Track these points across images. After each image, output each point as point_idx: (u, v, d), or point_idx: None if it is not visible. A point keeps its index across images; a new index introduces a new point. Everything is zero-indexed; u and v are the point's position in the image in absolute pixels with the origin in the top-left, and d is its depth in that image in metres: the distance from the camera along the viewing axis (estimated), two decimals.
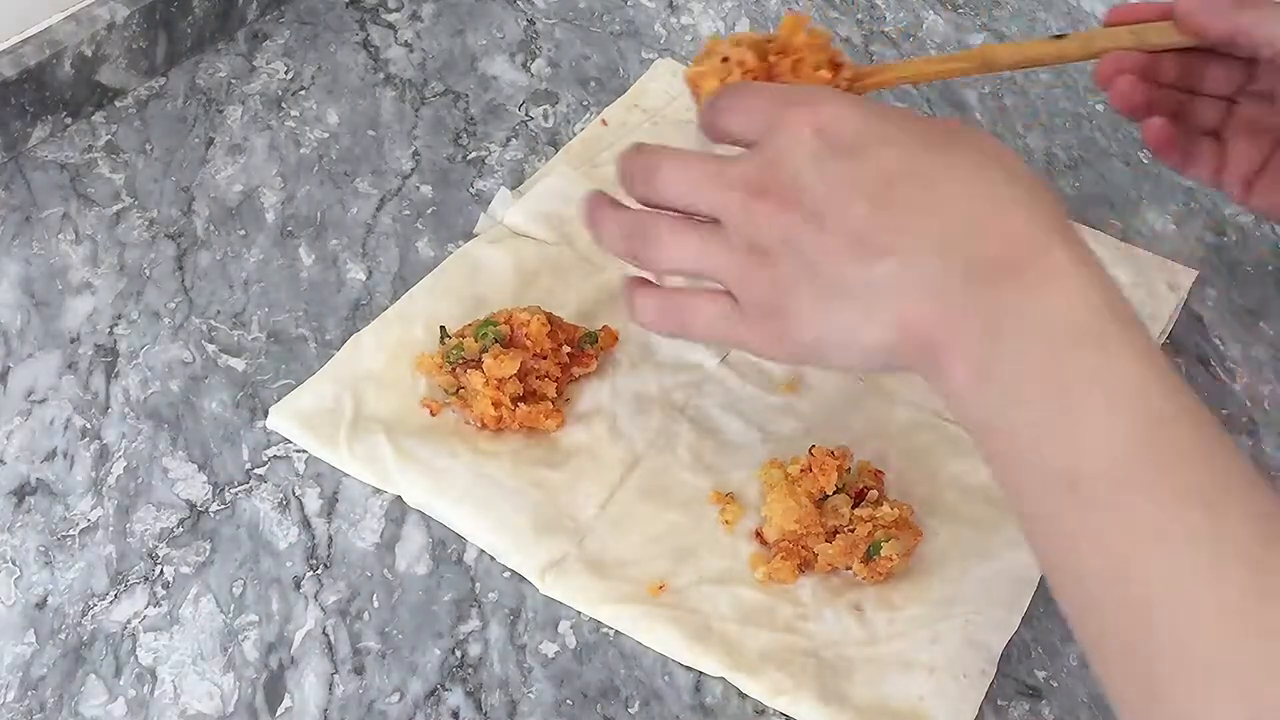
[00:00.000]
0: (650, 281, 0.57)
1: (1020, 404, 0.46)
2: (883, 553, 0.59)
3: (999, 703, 0.57)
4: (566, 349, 0.66)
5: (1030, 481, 0.47)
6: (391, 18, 0.88)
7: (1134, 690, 0.44)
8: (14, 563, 0.59)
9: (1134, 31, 0.68)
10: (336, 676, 0.56)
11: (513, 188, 0.76)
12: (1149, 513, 0.44)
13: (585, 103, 0.84)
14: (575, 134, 0.81)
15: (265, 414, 0.65)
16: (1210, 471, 0.45)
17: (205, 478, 0.63)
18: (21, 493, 0.61)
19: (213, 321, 0.69)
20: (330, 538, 0.61)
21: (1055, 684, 0.58)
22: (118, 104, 0.80)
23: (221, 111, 0.80)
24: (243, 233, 0.74)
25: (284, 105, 0.81)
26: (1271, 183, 0.69)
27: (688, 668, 0.57)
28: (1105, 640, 0.45)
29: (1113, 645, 0.45)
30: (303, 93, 0.82)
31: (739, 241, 0.52)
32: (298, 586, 0.59)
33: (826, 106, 0.51)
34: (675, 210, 0.54)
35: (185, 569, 0.59)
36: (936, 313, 0.48)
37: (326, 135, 0.80)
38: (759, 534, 0.62)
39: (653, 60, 0.86)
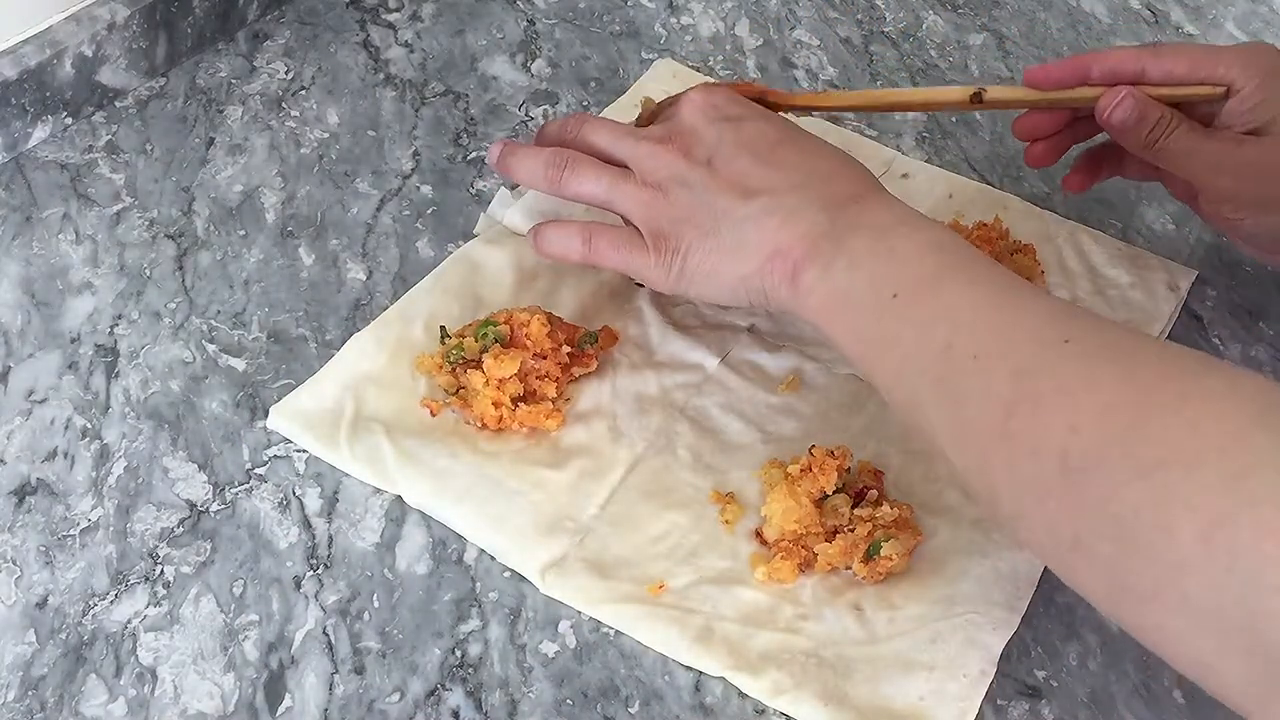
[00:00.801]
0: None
1: (856, 271, 0.58)
2: (883, 553, 0.59)
3: (999, 703, 0.57)
4: (566, 349, 0.66)
5: (861, 312, 0.58)
6: (391, 18, 0.88)
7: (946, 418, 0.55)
8: (14, 563, 0.59)
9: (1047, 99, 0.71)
10: (337, 676, 0.56)
11: (513, 188, 0.76)
12: (956, 298, 0.56)
13: (585, 103, 0.84)
14: None
15: (265, 414, 0.65)
16: (991, 270, 0.58)
17: (205, 478, 0.63)
18: (22, 493, 0.61)
19: (213, 321, 0.69)
20: (330, 538, 0.61)
21: (1055, 684, 0.58)
22: (118, 104, 0.80)
23: (222, 111, 0.81)
24: (243, 233, 0.74)
25: (284, 105, 0.81)
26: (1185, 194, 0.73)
27: (688, 668, 0.57)
28: (917, 384, 0.56)
29: (923, 387, 0.56)
30: (303, 93, 0.82)
31: (643, 179, 0.64)
32: (298, 586, 0.59)
33: (718, 91, 0.66)
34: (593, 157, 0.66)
35: (186, 569, 0.59)
36: (799, 235, 0.60)
37: (327, 135, 0.80)
38: (759, 534, 0.62)
39: (653, 60, 0.86)
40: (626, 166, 0.65)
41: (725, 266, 0.62)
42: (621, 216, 0.65)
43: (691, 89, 0.67)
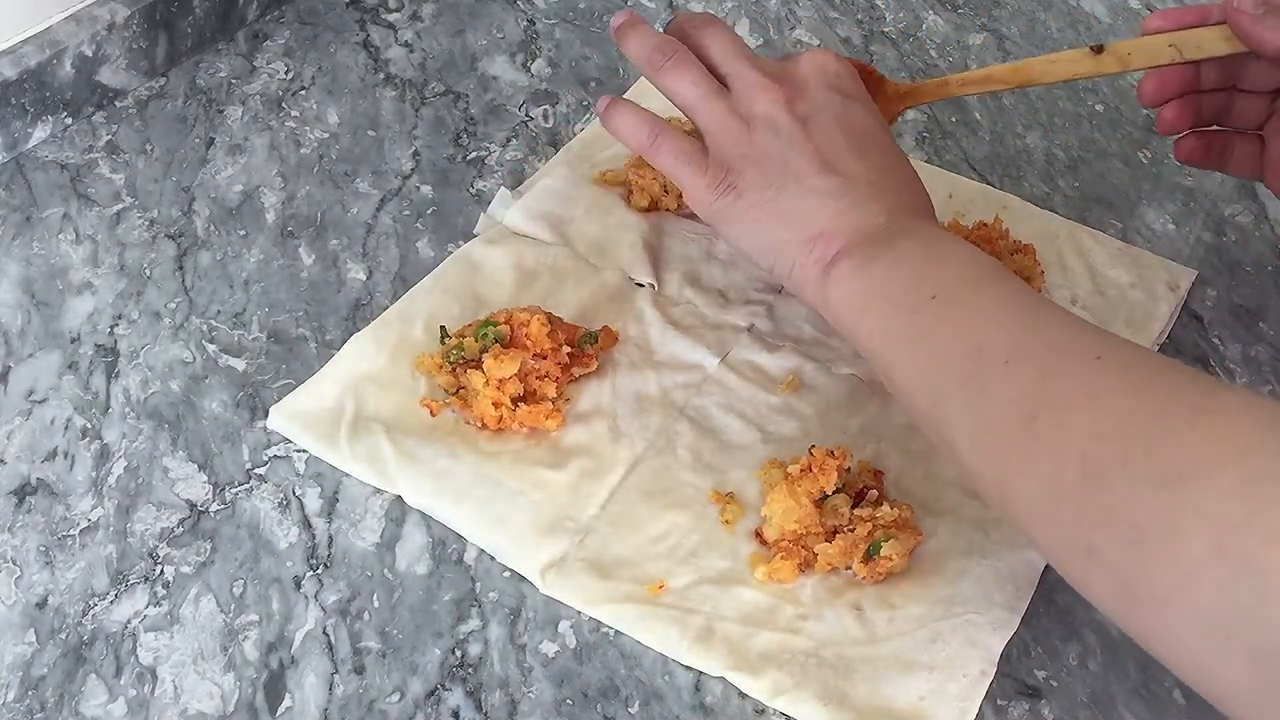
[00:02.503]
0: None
1: (898, 271, 0.59)
2: (883, 553, 0.59)
3: (999, 703, 0.57)
4: (566, 349, 0.66)
5: (895, 308, 0.58)
6: (391, 18, 0.88)
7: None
8: (14, 563, 0.59)
9: (1174, 43, 0.67)
10: (337, 676, 0.56)
11: (512, 188, 0.76)
12: (993, 304, 0.57)
13: (585, 103, 0.84)
14: (575, 134, 0.81)
15: (265, 414, 0.65)
16: (1034, 292, 0.59)
17: (205, 478, 0.63)
18: (22, 493, 0.61)
19: (213, 321, 0.69)
20: (330, 537, 0.61)
21: (1055, 684, 0.58)
22: (118, 104, 0.80)
23: (222, 111, 0.81)
24: (243, 233, 0.74)
25: (284, 105, 0.81)
26: None
27: (688, 668, 0.57)
28: (941, 381, 0.56)
29: (949, 384, 0.55)
30: (303, 93, 0.82)
31: (737, 105, 0.63)
32: (298, 586, 0.59)
33: (844, 64, 0.65)
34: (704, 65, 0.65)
35: (186, 569, 0.59)
36: (854, 227, 0.60)
37: (326, 135, 0.80)
38: (759, 534, 0.62)
39: None
40: (728, 86, 0.64)
41: (771, 225, 0.62)
42: (700, 130, 0.65)
43: (819, 50, 0.66)
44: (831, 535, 0.60)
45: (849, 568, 0.60)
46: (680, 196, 0.75)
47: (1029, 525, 0.53)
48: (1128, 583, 0.48)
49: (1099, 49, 0.68)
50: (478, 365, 0.64)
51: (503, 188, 0.76)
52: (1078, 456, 0.50)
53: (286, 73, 0.84)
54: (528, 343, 0.65)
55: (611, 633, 0.58)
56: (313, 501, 0.62)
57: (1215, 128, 0.71)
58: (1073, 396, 0.52)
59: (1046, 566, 0.60)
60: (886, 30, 0.92)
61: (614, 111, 0.66)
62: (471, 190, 0.77)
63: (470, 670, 0.57)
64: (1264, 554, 0.44)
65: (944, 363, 0.56)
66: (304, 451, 0.64)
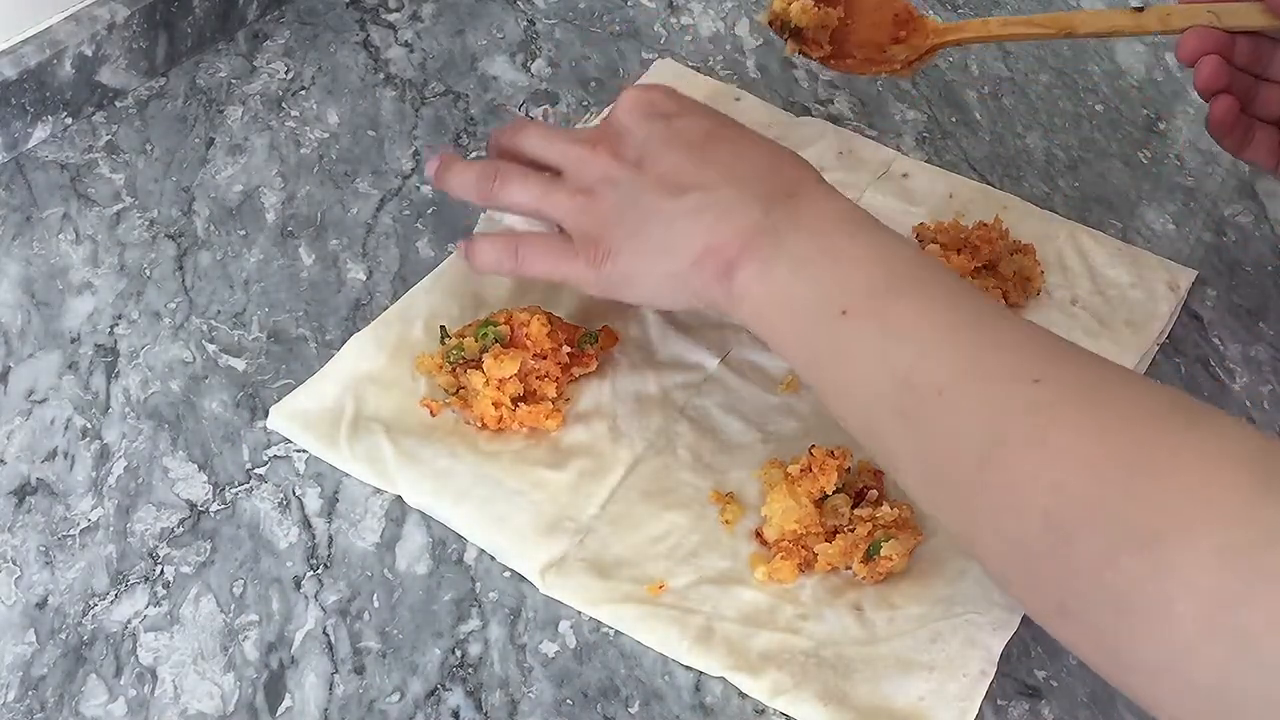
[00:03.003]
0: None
1: (799, 276, 0.56)
2: (883, 553, 0.59)
3: (999, 703, 0.57)
4: (566, 349, 0.66)
5: (807, 324, 0.56)
6: (391, 18, 0.88)
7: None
8: (14, 563, 0.59)
9: (1212, 10, 0.67)
10: (337, 676, 0.56)
11: None
12: (914, 318, 0.54)
13: (585, 103, 0.84)
14: None
15: (265, 414, 0.65)
16: (950, 286, 0.55)
17: (205, 478, 0.63)
18: (22, 493, 0.61)
19: (213, 321, 0.69)
20: (330, 538, 0.61)
21: (1055, 684, 0.58)
22: (118, 104, 0.80)
23: (222, 111, 0.81)
24: (243, 233, 0.74)
25: (284, 105, 0.81)
26: None
27: (688, 668, 0.57)
28: (875, 413, 0.54)
29: (883, 416, 0.53)
30: (303, 93, 0.82)
31: (573, 184, 0.62)
32: (298, 586, 0.59)
33: (654, 89, 0.65)
34: (528, 163, 0.65)
35: (186, 569, 0.59)
36: (733, 231, 0.58)
37: (327, 135, 0.80)
38: (759, 534, 0.62)
39: (653, 60, 0.86)
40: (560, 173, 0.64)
41: (654, 266, 0.60)
42: (558, 226, 0.64)
43: (628, 88, 0.65)
44: (831, 535, 0.60)
45: (849, 568, 0.60)
46: None
47: (999, 580, 0.51)
48: (1112, 649, 0.46)
49: (1140, 8, 0.69)
50: (478, 365, 0.64)
51: None
52: (1040, 512, 0.47)
53: (286, 73, 0.84)
54: (528, 343, 0.65)
55: (611, 633, 0.58)
56: (313, 501, 0.62)
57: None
58: (1021, 435, 0.48)
59: None
60: None
61: (474, 254, 0.65)
62: None
63: (470, 670, 0.57)
64: (1269, 636, 0.41)
65: (871, 392, 0.53)
66: (304, 451, 0.64)
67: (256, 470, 0.63)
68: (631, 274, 0.61)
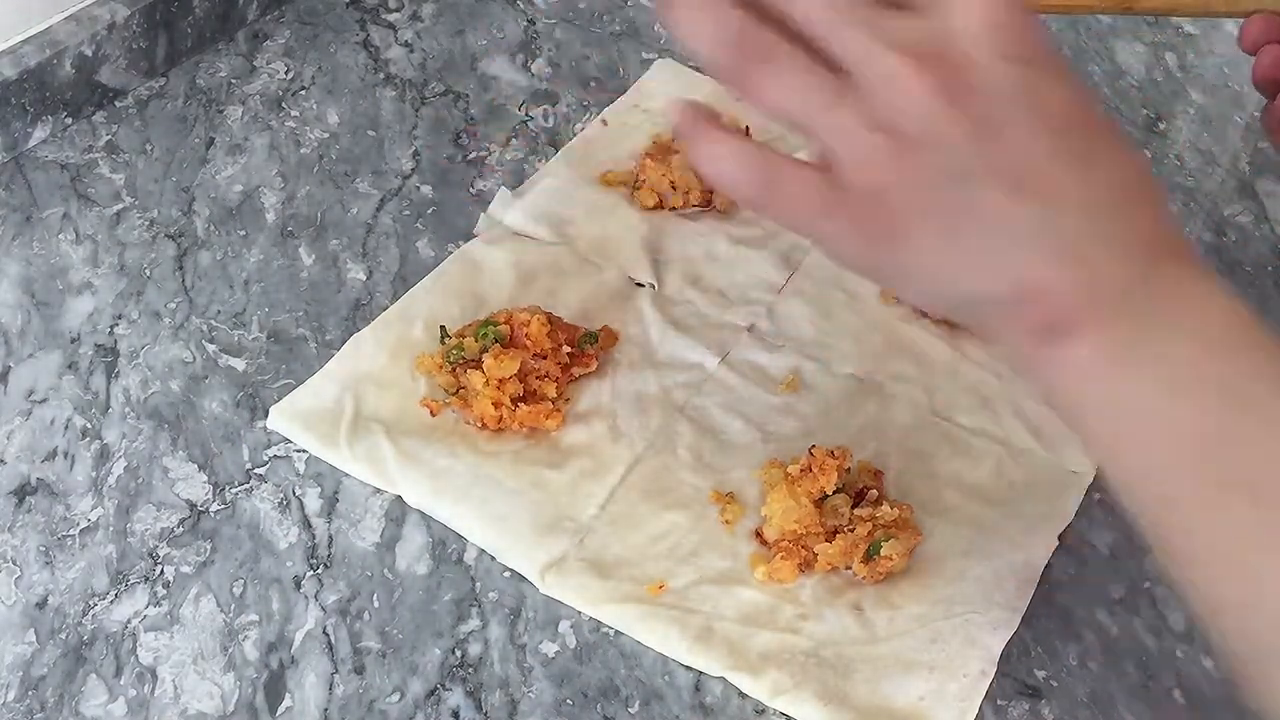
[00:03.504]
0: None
1: (1180, 395, 0.42)
2: (883, 553, 0.59)
3: (999, 703, 0.57)
4: (566, 349, 0.66)
5: (1186, 479, 0.42)
6: (392, 18, 0.88)
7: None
8: (14, 562, 0.59)
9: None
10: (337, 676, 0.56)
11: (513, 188, 0.76)
12: None
13: (585, 103, 0.84)
14: (575, 134, 0.81)
15: (265, 414, 0.65)
16: None
17: (205, 478, 0.63)
18: (22, 493, 0.61)
19: (213, 321, 0.69)
20: (330, 537, 0.61)
21: (1055, 684, 0.58)
22: (118, 104, 0.80)
23: (222, 111, 0.81)
24: (243, 233, 0.74)
25: (284, 105, 0.81)
26: None
27: (688, 668, 0.57)
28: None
29: None
30: (303, 93, 0.82)
31: (874, 111, 0.42)
32: (298, 586, 0.59)
33: (1012, 9, 0.43)
34: (791, 37, 0.43)
35: (186, 569, 0.59)
36: (1078, 281, 0.42)
37: (326, 135, 0.80)
38: (759, 534, 0.62)
39: (653, 60, 0.86)
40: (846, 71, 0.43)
41: (948, 273, 0.43)
42: (819, 151, 0.44)
43: None
44: (831, 535, 0.60)
45: (849, 568, 0.60)
46: (687, 194, 0.75)
47: None
48: None
49: None
50: (478, 365, 0.64)
51: (503, 188, 0.76)
52: None
53: (286, 73, 0.84)
54: (528, 343, 0.65)
55: (611, 633, 0.58)
56: (313, 501, 0.62)
57: None
58: None
59: (1046, 566, 0.60)
60: None
61: (708, 153, 0.44)
62: (471, 190, 0.77)
63: (470, 670, 0.57)
64: None
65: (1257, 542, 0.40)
66: (304, 451, 0.64)
67: (256, 470, 0.63)
68: (913, 271, 0.44)
